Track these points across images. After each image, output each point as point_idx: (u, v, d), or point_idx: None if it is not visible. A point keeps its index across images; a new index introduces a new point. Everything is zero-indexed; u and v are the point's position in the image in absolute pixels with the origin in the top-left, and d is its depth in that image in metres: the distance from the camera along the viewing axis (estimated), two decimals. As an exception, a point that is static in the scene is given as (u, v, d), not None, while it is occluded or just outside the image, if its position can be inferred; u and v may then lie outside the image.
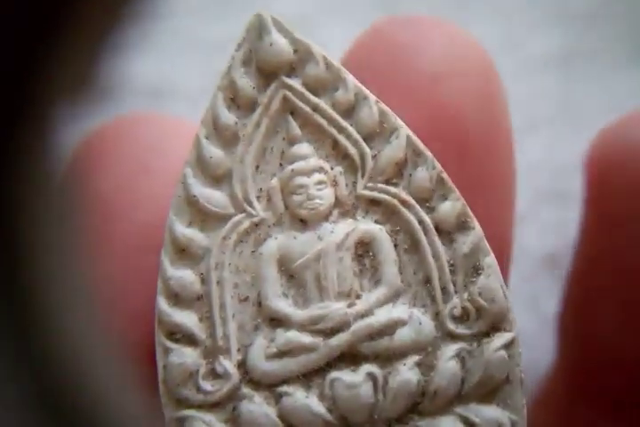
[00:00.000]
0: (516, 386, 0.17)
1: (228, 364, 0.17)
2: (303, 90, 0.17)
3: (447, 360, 0.17)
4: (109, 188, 0.19)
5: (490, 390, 0.17)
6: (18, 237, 0.09)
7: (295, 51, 0.17)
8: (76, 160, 0.20)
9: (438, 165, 0.18)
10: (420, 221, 0.18)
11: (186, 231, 0.17)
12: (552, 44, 0.28)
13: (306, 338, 0.17)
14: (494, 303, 0.17)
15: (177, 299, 0.17)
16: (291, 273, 0.17)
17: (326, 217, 0.18)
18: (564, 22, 0.28)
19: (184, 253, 0.17)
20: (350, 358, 0.17)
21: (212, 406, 0.16)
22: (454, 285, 0.17)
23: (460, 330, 0.17)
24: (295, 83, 0.17)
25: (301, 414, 0.16)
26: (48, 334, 0.10)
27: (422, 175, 0.17)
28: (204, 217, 0.17)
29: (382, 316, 0.17)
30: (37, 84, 0.09)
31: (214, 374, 0.17)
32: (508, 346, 0.17)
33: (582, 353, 0.21)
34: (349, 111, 0.18)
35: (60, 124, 0.09)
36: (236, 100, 0.17)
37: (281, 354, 0.17)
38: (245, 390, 0.17)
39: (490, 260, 0.17)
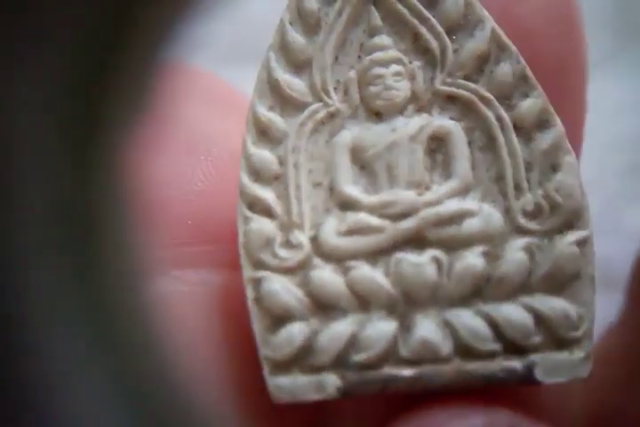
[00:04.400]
0: (586, 283, 0.17)
1: (302, 236, 0.17)
2: None
3: (515, 251, 0.17)
4: (185, 119, 0.19)
5: (558, 284, 0.17)
6: None
7: None
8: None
9: (522, 61, 0.17)
10: (499, 118, 0.17)
11: (267, 114, 0.17)
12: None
13: (375, 220, 0.17)
14: (570, 200, 0.17)
15: (257, 176, 0.17)
16: (363, 163, 0.18)
17: (401, 111, 0.18)
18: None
19: (264, 134, 0.17)
20: (416, 242, 0.17)
21: (286, 271, 0.17)
22: (528, 182, 0.17)
23: (532, 225, 0.17)
24: (379, -29, 0.18)
25: (367, 284, 0.17)
26: None
27: (505, 70, 0.17)
28: (284, 102, 0.18)
29: (451, 205, 0.17)
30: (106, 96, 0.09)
31: (289, 245, 0.17)
32: (582, 243, 0.17)
33: None
34: (433, 2, 0.17)
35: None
36: None
37: (351, 232, 0.17)
38: (316, 260, 0.17)
39: (570, 158, 0.17)
